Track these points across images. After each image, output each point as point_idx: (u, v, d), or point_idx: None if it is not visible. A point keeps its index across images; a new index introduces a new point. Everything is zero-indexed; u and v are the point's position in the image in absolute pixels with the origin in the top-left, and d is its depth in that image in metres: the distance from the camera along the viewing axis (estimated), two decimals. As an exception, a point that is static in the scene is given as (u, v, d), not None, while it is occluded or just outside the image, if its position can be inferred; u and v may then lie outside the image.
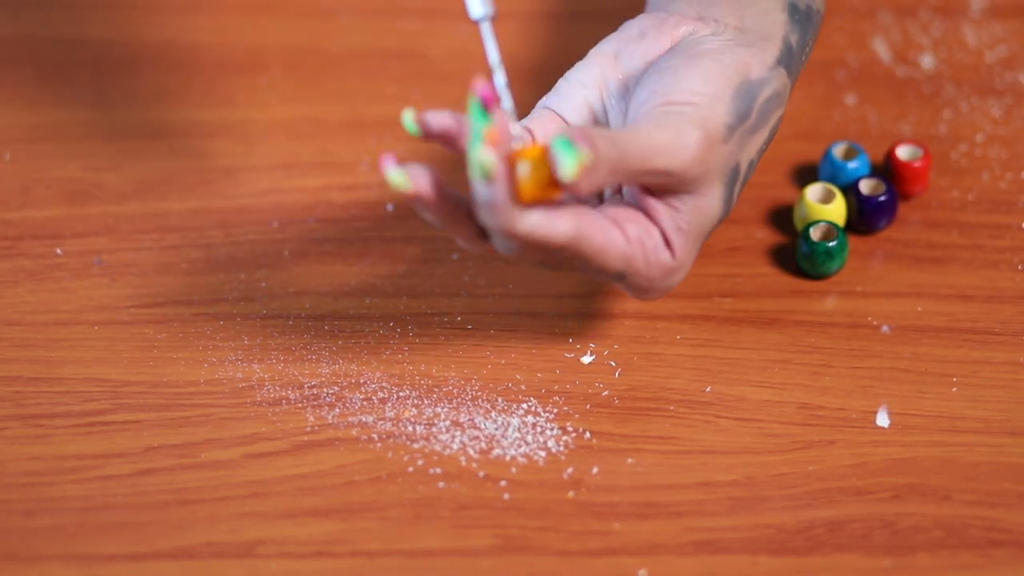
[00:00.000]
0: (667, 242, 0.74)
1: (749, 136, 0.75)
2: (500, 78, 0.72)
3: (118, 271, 0.84)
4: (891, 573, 0.72)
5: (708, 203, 0.74)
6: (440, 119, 0.71)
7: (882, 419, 0.78)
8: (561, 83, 0.78)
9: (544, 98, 0.78)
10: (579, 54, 0.89)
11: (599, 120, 0.77)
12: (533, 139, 0.75)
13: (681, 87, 0.73)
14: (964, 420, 0.78)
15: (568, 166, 0.67)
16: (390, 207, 0.88)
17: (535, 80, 0.94)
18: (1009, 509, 0.74)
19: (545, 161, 0.68)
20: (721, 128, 0.73)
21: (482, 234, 0.72)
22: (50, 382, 0.79)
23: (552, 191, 0.68)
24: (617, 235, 0.72)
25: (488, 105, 0.67)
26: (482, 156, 0.67)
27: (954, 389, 0.79)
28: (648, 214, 0.74)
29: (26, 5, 1.00)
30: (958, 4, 1.00)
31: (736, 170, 0.75)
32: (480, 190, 0.68)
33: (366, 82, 0.96)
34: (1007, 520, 0.74)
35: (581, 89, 0.77)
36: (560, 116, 0.77)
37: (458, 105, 0.94)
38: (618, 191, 0.77)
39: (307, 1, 1.01)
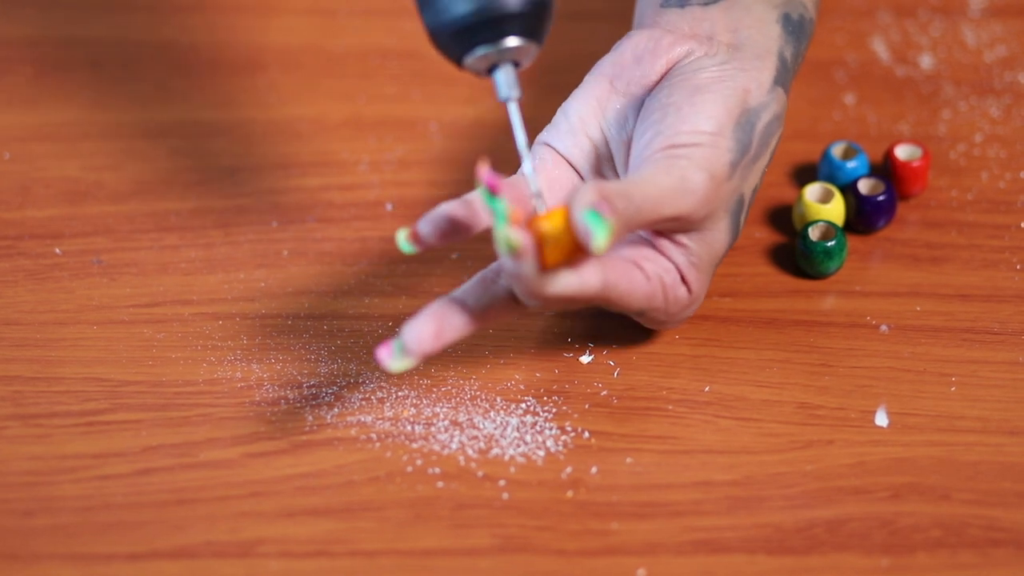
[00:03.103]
0: (683, 278, 0.75)
1: (752, 165, 0.76)
2: (528, 165, 0.73)
3: (117, 271, 0.84)
4: (890, 572, 0.72)
5: (716, 236, 0.75)
6: (432, 225, 0.73)
7: (881, 419, 0.78)
8: (559, 117, 0.78)
9: (544, 132, 0.78)
10: (578, 53, 0.89)
11: (600, 151, 0.78)
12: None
13: (684, 128, 0.74)
14: (963, 419, 0.77)
15: (601, 239, 0.67)
16: (390, 207, 0.88)
17: (536, 80, 0.94)
18: (1008, 508, 0.74)
19: (568, 228, 0.68)
20: (725, 168, 0.74)
21: (510, 302, 0.73)
22: (49, 381, 0.79)
23: (575, 256, 0.69)
24: (639, 276, 0.73)
25: (493, 191, 0.68)
26: (509, 235, 0.67)
27: (953, 389, 0.79)
28: (661, 253, 0.74)
29: (26, 5, 1.00)
30: (957, 4, 1.00)
31: (740, 201, 0.76)
32: (508, 264, 0.69)
33: (366, 82, 0.96)
34: (1006, 519, 0.74)
35: (580, 124, 0.78)
36: (562, 155, 0.77)
37: (457, 104, 0.94)
38: None
39: (307, 1, 1.01)
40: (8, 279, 0.84)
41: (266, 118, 0.93)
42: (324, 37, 0.99)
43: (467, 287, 0.73)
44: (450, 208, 0.73)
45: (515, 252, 0.68)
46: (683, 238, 0.75)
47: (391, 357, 0.70)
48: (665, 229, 0.74)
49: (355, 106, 0.94)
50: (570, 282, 0.70)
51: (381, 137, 0.92)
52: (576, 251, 0.69)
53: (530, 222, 0.69)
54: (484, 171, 0.68)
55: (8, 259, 0.85)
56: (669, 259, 0.75)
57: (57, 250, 0.85)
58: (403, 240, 0.73)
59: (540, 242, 0.68)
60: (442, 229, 0.73)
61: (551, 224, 0.68)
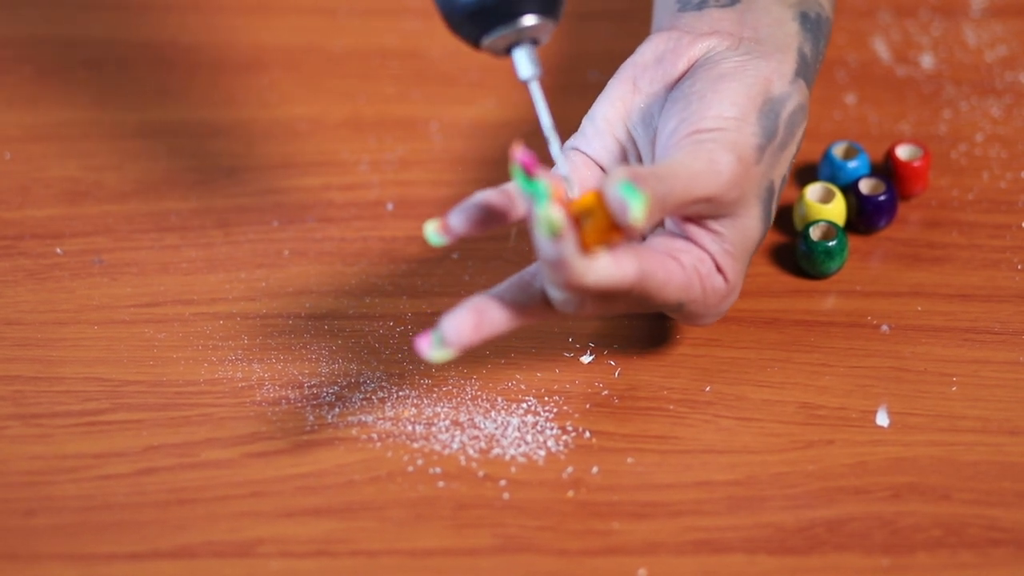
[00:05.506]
0: (718, 267, 0.74)
1: (779, 153, 0.75)
2: (555, 144, 0.72)
3: (118, 271, 0.85)
4: (890, 572, 0.72)
5: (748, 224, 0.75)
6: (464, 215, 0.72)
7: (881, 418, 0.78)
8: (586, 123, 0.78)
9: (572, 139, 0.78)
10: (585, 53, 0.89)
11: (627, 151, 0.78)
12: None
13: (708, 114, 0.74)
14: (963, 419, 0.78)
15: (637, 209, 0.67)
16: (390, 207, 0.88)
17: (541, 80, 0.94)
18: (1008, 508, 0.74)
19: (603, 208, 0.68)
20: (752, 150, 0.73)
21: (546, 305, 0.73)
22: (50, 381, 0.79)
23: (612, 236, 0.68)
24: (675, 266, 0.73)
25: (529, 171, 0.67)
26: (550, 213, 0.67)
27: (953, 388, 0.79)
28: (694, 242, 0.74)
29: (26, 5, 1.00)
30: (958, 4, 1.00)
31: (770, 188, 0.75)
32: (547, 249, 0.68)
33: (366, 82, 0.96)
34: (1006, 519, 0.74)
35: (606, 126, 0.77)
36: (591, 158, 0.77)
37: (457, 104, 0.94)
38: (660, 223, 0.77)
39: (307, 1, 1.01)
40: (9, 279, 0.84)
41: (266, 118, 0.93)
42: (324, 37, 0.99)
43: (504, 286, 0.72)
44: (485, 196, 0.72)
45: (556, 232, 0.67)
46: (716, 225, 0.74)
47: (430, 347, 0.70)
48: (696, 214, 0.73)
49: (355, 106, 0.94)
50: (608, 269, 0.69)
51: (381, 137, 0.92)
52: (612, 231, 0.68)
53: (566, 204, 0.68)
54: (519, 151, 0.67)
55: (8, 259, 0.85)
56: (703, 248, 0.74)
57: (58, 250, 0.85)
58: (431, 232, 0.72)
59: (578, 222, 0.68)
60: (475, 219, 0.72)
61: (584, 202, 0.68)
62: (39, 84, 0.95)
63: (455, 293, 0.83)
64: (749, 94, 0.75)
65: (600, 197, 0.68)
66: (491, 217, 0.72)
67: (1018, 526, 0.74)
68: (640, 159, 0.78)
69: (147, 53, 0.97)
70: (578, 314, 0.72)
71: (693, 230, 0.74)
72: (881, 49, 0.97)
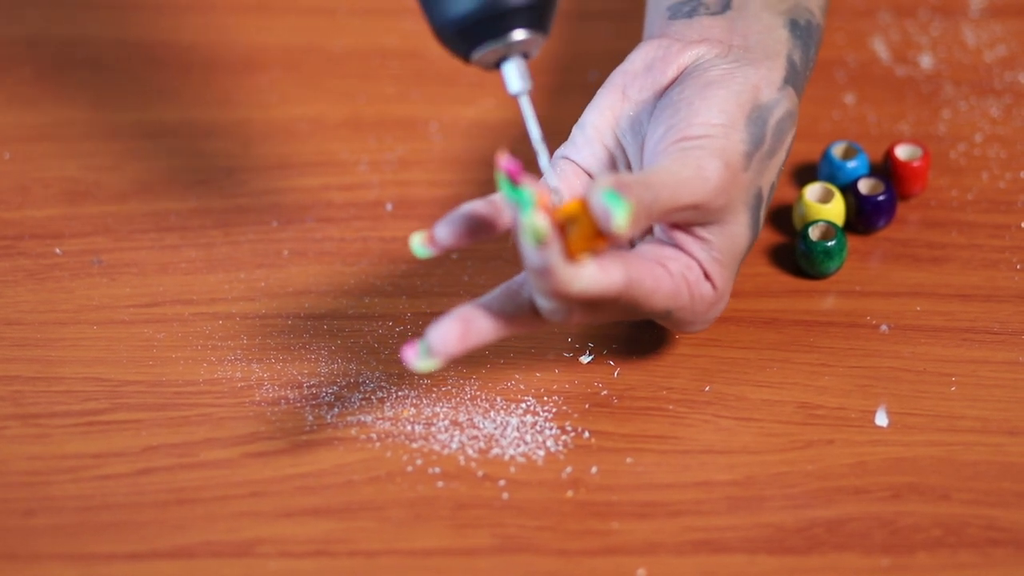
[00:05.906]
0: (706, 275, 0.74)
1: (767, 160, 0.75)
2: (544, 157, 0.72)
3: (117, 271, 0.85)
4: (890, 572, 0.72)
5: (736, 231, 0.75)
6: (450, 226, 0.72)
7: (881, 418, 0.78)
8: (575, 132, 0.78)
9: (561, 147, 0.78)
10: (581, 53, 0.88)
11: (617, 159, 0.78)
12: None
13: (696, 120, 0.74)
14: (963, 419, 0.78)
15: (620, 216, 0.67)
16: (390, 207, 0.88)
17: (541, 80, 0.94)
18: (1007, 508, 0.74)
19: (587, 215, 0.68)
20: (740, 157, 0.74)
21: (534, 314, 0.73)
22: (49, 381, 0.79)
23: (597, 243, 0.68)
24: (663, 273, 0.73)
25: (514, 179, 0.67)
26: (535, 221, 0.67)
27: (953, 388, 0.79)
28: (682, 250, 0.74)
29: (26, 5, 1.00)
30: (957, 4, 1.00)
31: (759, 196, 0.75)
32: (532, 257, 0.68)
33: (366, 82, 0.96)
34: (1006, 519, 0.74)
35: (595, 134, 0.77)
36: (580, 167, 0.77)
37: (457, 104, 0.94)
38: (648, 231, 0.77)
39: (307, 1, 1.01)
40: (8, 279, 0.84)
41: (266, 118, 0.93)
42: (324, 37, 0.99)
43: (492, 296, 0.72)
44: (471, 207, 0.72)
45: (541, 240, 0.67)
46: (703, 232, 0.74)
47: (416, 357, 0.70)
48: (683, 221, 0.74)
49: (355, 106, 0.94)
50: (595, 277, 0.69)
51: (381, 137, 0.92)
52: (597, 239, 0.68)
53: (551, 212, 0.68)
54: (503, 159, 0.68)
55: (8, 259, 0.85)
56: (691, 256, 0.74)
57: (57, 250, 0.86)
58: (418, 244, 0.72)
59: (563, 229, 0.68)
60: (461, 230, 0.72)
61: (568, 209, 0.68)
62: (39, 84, 0.95)
63: (454, 293, 0.83)
64: (737, 101, 0.75)
65: (585, 204, 0.68)
66: (478, 228, 0.72)
67: (1017, 526, 0.74)
68: (629, 167, 0.78)
69: (147, 53, 0.97)
70: (566, 323, 0.72)
71: (681, 237, 0.74)
72: (880, 49, 0.97)
